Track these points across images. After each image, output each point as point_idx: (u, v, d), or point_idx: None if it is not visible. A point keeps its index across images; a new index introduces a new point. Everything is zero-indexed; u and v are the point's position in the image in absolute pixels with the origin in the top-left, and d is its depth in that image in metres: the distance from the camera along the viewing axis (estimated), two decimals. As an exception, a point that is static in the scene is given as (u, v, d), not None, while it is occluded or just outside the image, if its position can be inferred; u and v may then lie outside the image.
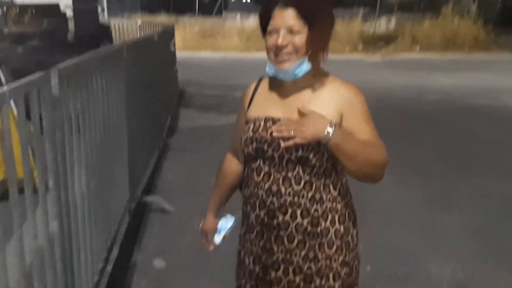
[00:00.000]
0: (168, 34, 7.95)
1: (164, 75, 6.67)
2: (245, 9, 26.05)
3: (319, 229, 1.55)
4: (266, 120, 1.57)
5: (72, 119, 2.10)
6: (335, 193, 1.56)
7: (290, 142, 1.44)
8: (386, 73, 12.82)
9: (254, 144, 1.56)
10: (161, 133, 5.96)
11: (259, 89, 1.68)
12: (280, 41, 1.46)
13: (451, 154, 5.85)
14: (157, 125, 5.60)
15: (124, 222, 3.34)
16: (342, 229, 1.57)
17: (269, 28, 1.50)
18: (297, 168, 1.52)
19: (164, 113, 6.48)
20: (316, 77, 1.55)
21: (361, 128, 1.50)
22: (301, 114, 1.49)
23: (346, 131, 1.48)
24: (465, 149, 6.02)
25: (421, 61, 15.91)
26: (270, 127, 1.54)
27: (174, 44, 9.49)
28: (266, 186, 1.55)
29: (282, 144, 1.47)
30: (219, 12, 27.46)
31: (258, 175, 1.57)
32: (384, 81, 11.42)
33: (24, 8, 12.02)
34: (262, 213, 1.58)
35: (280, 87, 1.59)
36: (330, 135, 1.42)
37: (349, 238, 1.60)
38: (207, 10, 30.61)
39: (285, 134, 1.45)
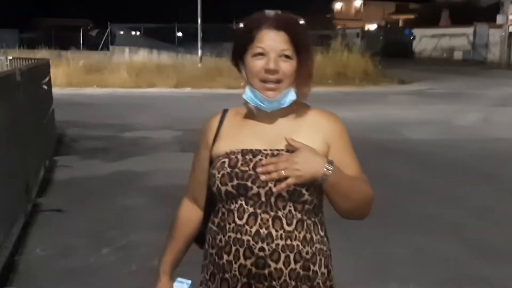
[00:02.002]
0: (40, 70, 6.81)
1: (33, 118, 5.54)
2: (133, 44, 25.09)
3: (310, 273, 1.41)
4: (244, 153, 1.41)
5: None
6: (321, 233, 1.47)
7: (283, 186, 1.32)
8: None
9: (235, 181, 1.38)
10: (29, 192, 4.79)
11: (225, 121, 1.53)
12: (272, 65, 1.36)
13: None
14: (21, 183, 4.47)
15: None
16: (326, 272, 1.47)
17: (255, 50, 1.38)
18: (288, 205, 1.38)
19: (34, 165, 5.33)
20: (293, 107, 1.44)
21: (348, 161, 1.44)
22: (290, 147, 1.36)
23: (339, 167, 1.36)
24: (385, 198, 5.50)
25: (315, 94, 15.78)
26: (251, 160, 1.39)
27: (50, 81, 8.32)
28: (253, 230, 1.37)
29: (274, 189, 1.34)
30: (106, 47, 26.12)
31: (241, 217, 1.39)
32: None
33: None
34: (248, 263, 1.38)
35: (255, 116, 1.46)
36: (329, 173, 1.32)
37: (332, 282, 1.50)
38: (93, 44, 29.16)
39: (274, 175, 1.32)
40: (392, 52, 29.67)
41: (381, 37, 35.27)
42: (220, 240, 1.42)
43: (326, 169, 1.31)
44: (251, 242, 1.37)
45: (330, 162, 1.33)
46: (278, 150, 1.38)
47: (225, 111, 1.56)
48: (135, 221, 4.63)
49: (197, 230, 1.59)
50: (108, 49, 25.48)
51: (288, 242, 1.37)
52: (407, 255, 3.93)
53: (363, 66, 19.07)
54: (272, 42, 1.36)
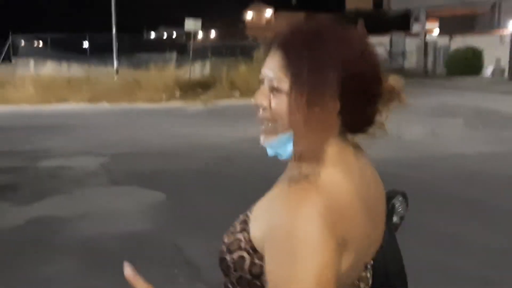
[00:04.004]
0: None
1: None
2: (39, 55, 22.94)
3: None
4: None
5: None
6: None
7: None
8: (216, 124, 11.44)
9: None
10: None
11: None
12: (255, 99, 0.99)
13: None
14: None
15: None
16: None
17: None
18: None
19: None
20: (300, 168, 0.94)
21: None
22: None
23: None
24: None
25: (244, 107, 14.99)
26: None
27: None
28: None
29: None
30: (8, 59, 23.71)
31: None
32: (216, 134, 9.96)
33: None
34: None
35: None
36: None
37: None
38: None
39: None
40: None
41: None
42: None
43: None
44: None
45: None
46: None
47: None
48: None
49: None
50: (10, 60, 23.10)
51: None
52: None
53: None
54: (266, 66, 1.00)
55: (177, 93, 16.84)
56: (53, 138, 9.48)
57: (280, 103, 0.95)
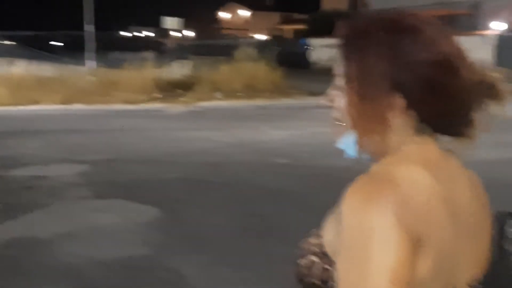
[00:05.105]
0: None
1: None
2: (7, 54, 21.94)
3: None
4: None
5: None
6: None
7: None
8: (200, 127, 10.81)
9: None
10: None
11: None
12: (323, 98, 1.00)
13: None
14: None
15: None
16: None
17: None
18: None
19: None
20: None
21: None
22: None
23: None
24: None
25: (228, 109, 14.49)
26: None
27: None
28: None
29: None
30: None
31: None
32: (201, 139, 9.32)
33: None
34: None
35: None
36: None
37: None
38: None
39: None
40: (285, 62, 29.29)
41: (275, 47, 34.88)
42: None
43: None
44: None
45: None
46: None
47: None
48: None
49: None
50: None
51: None
52: None
53: (271, 78, 18.00)
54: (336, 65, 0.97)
55: (156, 94, 16.18)
56: (25, 144, 8.71)
57: (341, 101, 0.94)
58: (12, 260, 4.03)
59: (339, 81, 0.92)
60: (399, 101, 0.86)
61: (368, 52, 0.87)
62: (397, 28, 0.88)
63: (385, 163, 0.90)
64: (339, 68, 0.92)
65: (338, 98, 0.94)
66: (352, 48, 0.90)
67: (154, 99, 15.74)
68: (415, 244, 0.80)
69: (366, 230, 0.79)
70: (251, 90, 17.23)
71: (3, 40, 26.64)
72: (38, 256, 4.09)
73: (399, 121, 0.88)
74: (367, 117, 0.88)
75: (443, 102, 0.87)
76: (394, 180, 0.84)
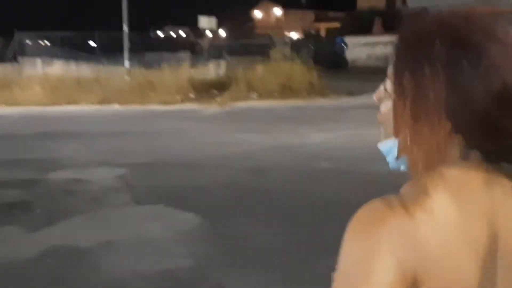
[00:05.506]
0: None
1: None
2: (47, 54, 22.21)
3: None
4: None
5: None
6: None
7: None
8: (239, 129, 10.58)
9: None
10: None
11: None
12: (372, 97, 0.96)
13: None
14: None
15: None
16: None
17: None
18: None
19: None
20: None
21: None
22: None
23: None
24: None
25: (264, 109, 14.23)
26: None
27: None
28: None
29: None
30: (14, 58, 22.96)
31: None
32: (241, 141, 9.09)
33: None
34: None
35: None
36: None
37: None
38: (-3, 55, 25.80)
39: None
40: (323, 62, 28.83)
41: (310, 46, 34.43)
42: None
43: None
44: None
45: None
46: None
47: None
48: None
49: None
50: (16, 60, 22.32)
51: None
52: None
53: (308, 77, 17.66)
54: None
55: (191, 95, 16.08)
56: (64, 145, 8.68)
57: (388, 105, 0.89)
58: (50, 270, 3.89)
59: (390, 84, 0.87)
60: (448, 124, 0.79)
61: (424, 66, 0.79)
62: (459, 44, 0.79)
63: (417, 183, 0.82)
64: (391, 72, 0.86)
65: (386, 101, 0.89)
66: (409, 56, 0.83)
67: (190, 100, 15.65)
68: (409, 282, 0.76)
69: (348, 257, 0.78)
70: (287, 90, 16.96)
71: (41, 40, 27.06)
72: (78, 267, 3.93)
73: (445, 142, 0.81)
74: (413, 132, 0.82)
75: (499, 142, 0.79)
76: (409, 211, 0.78)
